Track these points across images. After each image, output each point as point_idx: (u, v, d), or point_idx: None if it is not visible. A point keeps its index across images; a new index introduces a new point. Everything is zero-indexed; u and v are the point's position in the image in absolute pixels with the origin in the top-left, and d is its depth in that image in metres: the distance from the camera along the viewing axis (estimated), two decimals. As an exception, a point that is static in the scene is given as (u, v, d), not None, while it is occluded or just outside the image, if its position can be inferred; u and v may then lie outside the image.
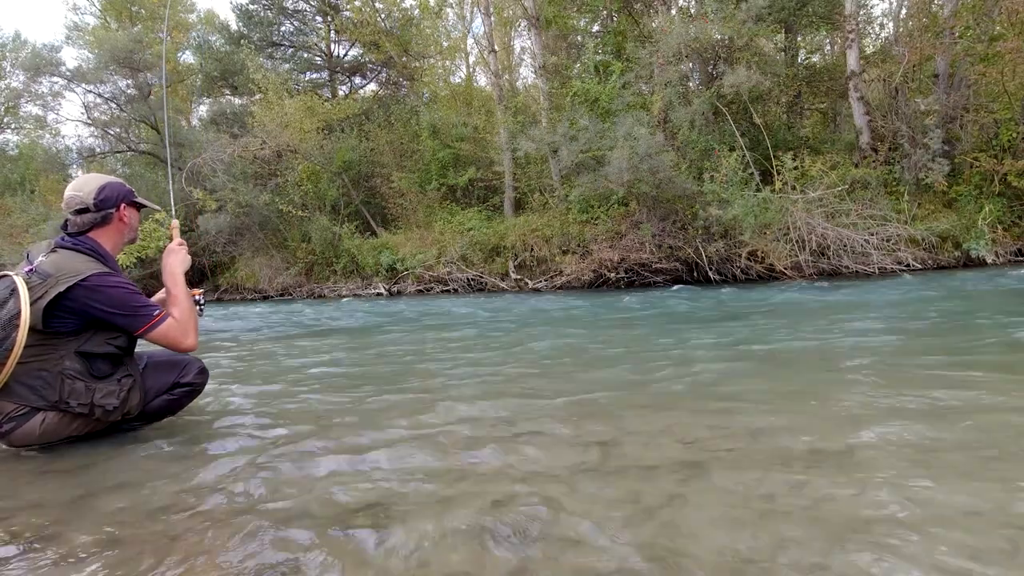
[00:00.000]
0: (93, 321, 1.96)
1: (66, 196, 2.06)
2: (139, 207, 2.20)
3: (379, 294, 13.73)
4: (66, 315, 1.91)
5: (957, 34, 11.01)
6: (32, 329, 1.87)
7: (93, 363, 1.98)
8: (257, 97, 18.10)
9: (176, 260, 2.23)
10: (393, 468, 1.71)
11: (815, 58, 15.06)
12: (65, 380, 1.92)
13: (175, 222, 2.48)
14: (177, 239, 2.33)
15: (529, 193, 14.09)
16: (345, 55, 22.08)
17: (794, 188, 10.38)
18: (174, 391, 2.22)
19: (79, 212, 2.03)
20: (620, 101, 11.50)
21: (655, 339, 4.35)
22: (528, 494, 1.45)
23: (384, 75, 21.41)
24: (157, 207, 2.48)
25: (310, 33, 21.77)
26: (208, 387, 2.48)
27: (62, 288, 1.87)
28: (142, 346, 2.19)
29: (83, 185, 2.06)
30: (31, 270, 1.92)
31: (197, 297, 2.32)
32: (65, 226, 2.08)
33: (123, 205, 2.10)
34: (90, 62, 20.70)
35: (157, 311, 2.02)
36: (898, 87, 11.28)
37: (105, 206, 2.05)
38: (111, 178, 2.14)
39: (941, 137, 10.24)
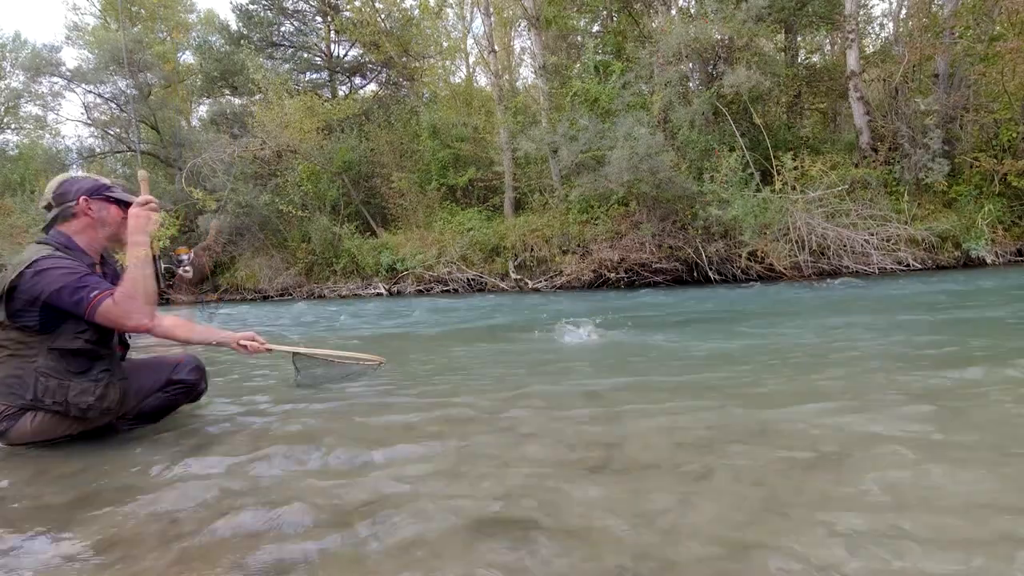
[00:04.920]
0: (51, 310, 1.90)
1: None
2: (117, 202, 2.11)
3: (379, 294, 13.73)
4: (25, 306, 1.89)
5: (957, 34, 11.01)
6: (3, 326, 1.90)
7: (69, 360, 1.96)
8: (257, 97, 18.10)
9: (137, 223, 2.01)
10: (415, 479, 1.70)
11: (815, 58, 15.04)
12: (39, 378, 1.91)
13: (143, 172, 2.20)
14: (143, 196, 2.07)
15: (529, 193, 14.09)
16: (345, 55, 22.07)
17: (794, 188, 10.37)
18: (167, 388, 2.21)
19: (47, 208, 2.08)
20: (620, 101, 11.49)
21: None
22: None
23: (384, 75, 21.40)
24: (134, 199, 2.13)
25: (310, 33, 21.77)
26: (223, 390, 2.48)
27: (12, 275, 1.88)
28: (137, 349, 2.19)
29: (51, 183, 2.11)
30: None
31: (183, 256, 2.32)
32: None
33: (83, 199, 2.05)
34: (90, 62, 20.72)
35: (96, 292, 1.89)
36: (898, 87, 11.27)
37: (63, 200, 2.05)
38: (78, 175, 2.15)
39: (941, 137, 10.23)
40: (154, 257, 2.14)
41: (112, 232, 2.13)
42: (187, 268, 2.34)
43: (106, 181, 2.15)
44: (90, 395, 1.96)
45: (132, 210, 2.02)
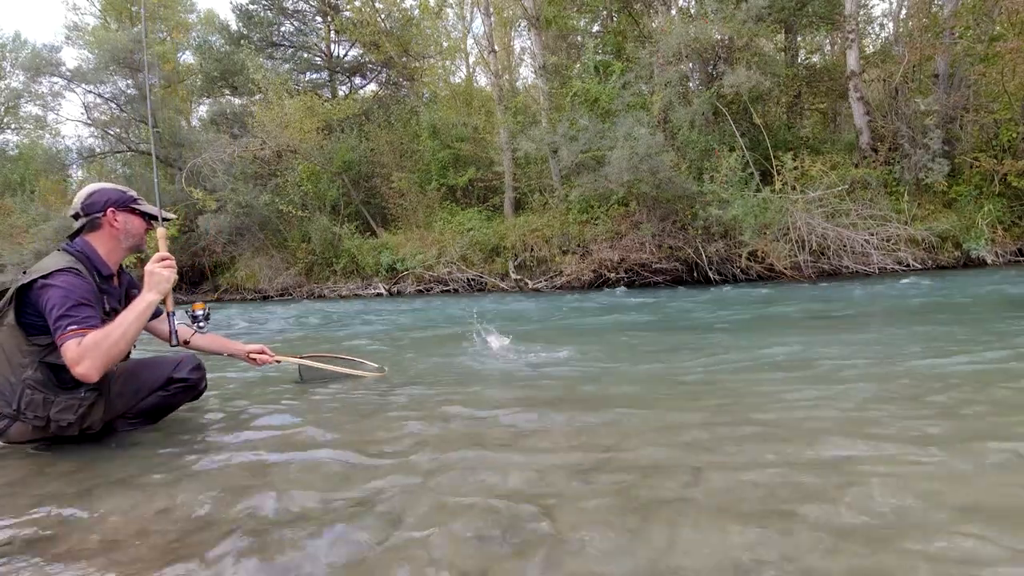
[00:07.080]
0: None
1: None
2: (142, 214, 2.15)
3: (379, 294, 13.73)
4: (32, 312, 1.91)
5: (957, 34, 11.02)
6: (11, 327, 1.91)
7: (59, 374, 1.94)
8: (257, 97, 18.09)
9: (152, 280, 1.98)
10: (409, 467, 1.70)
11: (815, 58, 15.05)
12: (25, 391, 1.91)
13: (161, 230, 2.14)
14: (161, 252, 2.05)
15: (529, 193, 14.09)
16: (345, 55, 22.07)
17: (794, 188, 10.38)
18: (168, 387, 2.20)
19: (75, 218, 2.10)
20: (620, 101, 11.49)
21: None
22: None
23: (384, 75, 21.39)
24: (165, 214, 2.21)
25: (310, 33, 21.77)
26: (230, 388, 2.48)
27: (26, 281, 1.89)
28: (138, 349, 2.18)
29: (80, 193, 2.12)
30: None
31: (198, 312, 2.28)
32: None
33: (111, 210, 2.07)
34: (90, 62, 20.69)
35: (73, 326, 1.81)
36: (898, 87, 11.28)
37: (91, 211, 2.07)
38: (108, 185, 2.15)
39: (941, 137, 10.23)
40: (169, 313, 2.18)
41: (134, 243, 2.16)
42: (202, 325, 2.29)
43: (132, 193, 2.17)
44: (71, 413, 1.95)
45: (149, 267, 2.00)
